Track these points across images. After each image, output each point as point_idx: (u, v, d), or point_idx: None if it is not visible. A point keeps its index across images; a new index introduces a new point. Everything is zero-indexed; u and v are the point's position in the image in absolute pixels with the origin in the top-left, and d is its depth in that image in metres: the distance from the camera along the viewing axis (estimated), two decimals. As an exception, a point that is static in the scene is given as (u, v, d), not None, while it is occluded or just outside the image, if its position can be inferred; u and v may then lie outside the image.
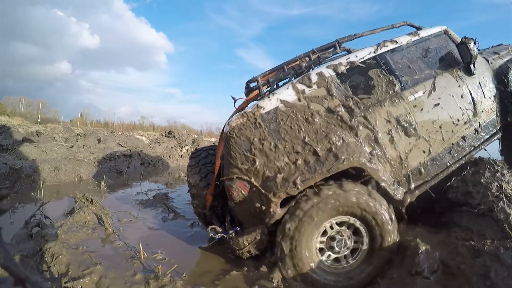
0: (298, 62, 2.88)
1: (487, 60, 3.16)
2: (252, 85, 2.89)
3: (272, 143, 2.42)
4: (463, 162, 2.87)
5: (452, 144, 2.79)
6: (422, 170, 2.68)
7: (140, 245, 2.81)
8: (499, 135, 3.01)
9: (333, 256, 2.42)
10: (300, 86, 2.57)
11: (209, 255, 3.00)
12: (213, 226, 2.70)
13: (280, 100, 2.51)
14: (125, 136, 11.64)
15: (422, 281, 2.07)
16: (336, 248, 2.39)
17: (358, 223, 2.38)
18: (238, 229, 2.69)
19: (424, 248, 2.20)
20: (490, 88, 3.02)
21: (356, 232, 2.43)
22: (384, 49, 2.81)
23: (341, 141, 2.46)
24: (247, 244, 2.53)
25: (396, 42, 2.87)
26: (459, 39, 2.93)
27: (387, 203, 2.40)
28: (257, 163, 2.41)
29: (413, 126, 2.65)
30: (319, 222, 2.34)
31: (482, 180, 2.69)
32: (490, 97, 2.99)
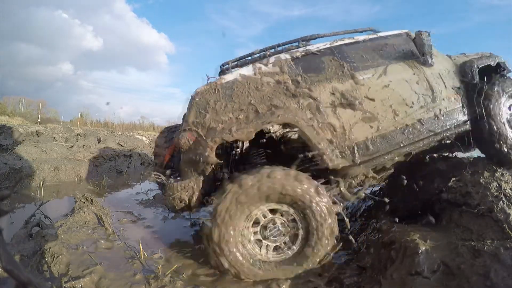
0: (264, 52, 3.19)
1: (450, 57, 3.35)
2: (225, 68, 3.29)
3: (224, 103, 2.68)
4: (425, 147, 2.97)
5: (407, 125, 2.86)
6: (370, 145, 2.75)
7: (140, 245, 2.81)
8: (468, 127, 3.04)
9: (272, 245, 2.50)
10: (259, 65, 2.86)
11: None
12: (157, 173, 2.91)
13: (240, 74, 2.81)
14: (125, 136, 11.63)
15: (422, 281, 2.07)
16: (271, 237, 2.47)
17: (291, 210, 2.47)
18: (179, 178, 2.85)
19: (424, 248, 2.21)
20: (452, 80, 3.12)
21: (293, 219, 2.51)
22: (340, 42, 3.00)
23: (282, 104, 2.66)
24: (180, 189, 2.69)
25: (354, 38, 3.06)
26: None
27: (317, 184, 2.48)
28: (206, 117, 2.66)
29: (359, 101, 2.76)
30: (245, 211, 2.42)
31: (481, 180, 2.69)
32: (452, 88, 3.08)
